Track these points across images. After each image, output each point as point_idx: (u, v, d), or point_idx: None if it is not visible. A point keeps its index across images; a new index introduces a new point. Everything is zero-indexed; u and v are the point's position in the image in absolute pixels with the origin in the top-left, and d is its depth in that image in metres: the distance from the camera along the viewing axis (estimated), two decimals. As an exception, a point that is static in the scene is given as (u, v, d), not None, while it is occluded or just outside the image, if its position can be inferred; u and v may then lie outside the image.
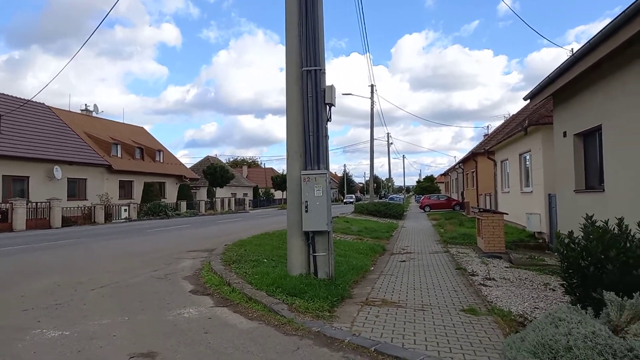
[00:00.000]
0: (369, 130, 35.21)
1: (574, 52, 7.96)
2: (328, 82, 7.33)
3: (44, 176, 27.94)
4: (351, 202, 62.99)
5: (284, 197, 56.84)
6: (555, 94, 9.72)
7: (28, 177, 27.07)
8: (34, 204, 24.90)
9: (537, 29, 59.76)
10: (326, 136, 7.28)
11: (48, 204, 25.40)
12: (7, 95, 31.09)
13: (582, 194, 8.87)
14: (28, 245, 14.16)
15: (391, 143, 58.98)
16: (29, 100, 28.43)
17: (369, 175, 42.61)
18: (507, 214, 13.23)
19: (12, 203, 23.18)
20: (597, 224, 4.68)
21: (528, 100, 11.11)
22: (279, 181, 62.14)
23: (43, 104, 34.03)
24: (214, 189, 47.63)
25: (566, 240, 4.82)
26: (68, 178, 29.66)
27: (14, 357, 4.11)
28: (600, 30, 6.45)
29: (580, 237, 4.75)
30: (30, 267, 9.45)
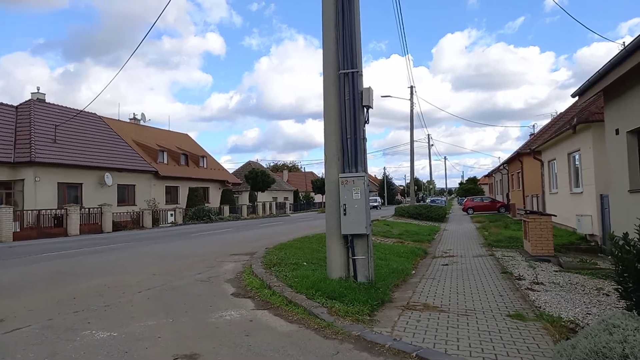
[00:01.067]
0: (409, 132, 34.71)
1: (626, 45, 7.55)
2: (366, 85, 7.28)
3: (96, 183, 29.27)
4: (375, 207, 56.04)
5: (324, 200, 56.98)
6: (606, 89, 9.25)
7: (81, 183, 28.45)
8: (87, 209, 26.13)
9: (587, 23, 57.21)
10: (364, 139, 7.22)
11: (100, 209, 26.57)
12: (62, 106, 32.83)
13: (637, 194, 8.38)
14: (80, 249, 14.84)
15: (432, 144, 58.06)
16: (81, 111, 29.91)
17: (409, 177, 42.06)
18: (555, 215, 12.71)
19: (66, 209, 24.41)
20: (654, 225, 4.40)
21: (577, 98, 10.63)
22: (319, 185, 62.40)
23: (95, 114, 35.69)
24: (256, 193, 48.38)
25: (621, 242, 4.55)
26: (118, 184, 30.96)
27: (64, 357, 4.29)
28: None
29: (636, 239, 4.48)
30: (82, 270, 9.89)
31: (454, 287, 7.55)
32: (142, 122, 43.31)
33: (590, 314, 5.69)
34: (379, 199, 70.67)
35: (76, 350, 4.45)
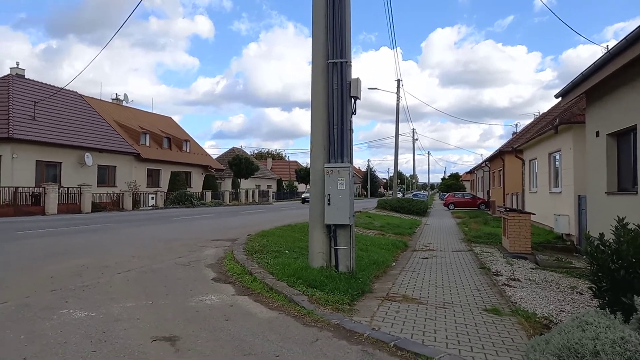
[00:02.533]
0: (394, 126, 34.89)
1: (609, 49, 7.69)
2: (355, 75, 7.28)
3: (76, 162, 28.74)
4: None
5: (307, 190, 57.04)
6: (588, 92, 9.42)
7: (60, 162, 27.89)
8: (66, 189, 25.67)
9: (575, 25, 58.04)
10: (351, 129, 7.23)
11: (79, 189, 26.13)
12: (42, 82, 32.03)
13: (614, 196, 8.59)
14: (59, 229, 14.60)
15: (416, 139, 58.42)
16: (62, 88, 29.22)
17: (393, 171, 42.33)
18: (534, 214, 12.95)
19: (44, 187, 23.94)
20: (629, 227, 4.52)
21: (559, 98, 10.81)
22: (303, 174, 62.36)
23: (76, 92, 34.93)
24: (239, 180, 48.14)
25: (596, 243, 4.67)
26: (98, 165, 30.45)
27: (41, 335, 4.25)
28: (638, 27, 6.20)
29: (611, 240, 4.60)
30: (60, 250, 9.74)
31: (433, 280, 7.66)
32: (124, 103, 42.55)
33: (564, 311, 5.84)
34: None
35: (53, 329, 4.41)
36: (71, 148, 28.49)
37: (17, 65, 31.11)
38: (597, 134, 9.32)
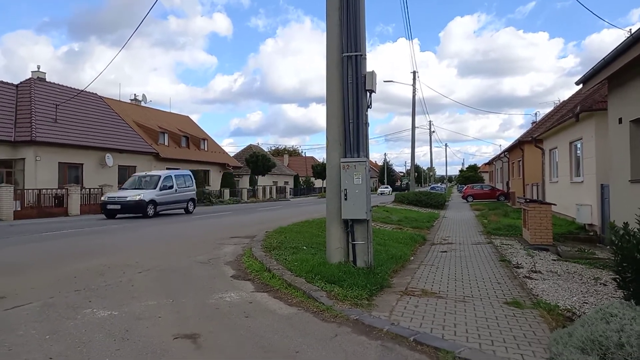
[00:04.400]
0: (411, 118, 34.62)
1: (632, 32, 7.47)
2: (370, 68, 7.21)
3: (97, 163, 29.25)
4: (386, 194, 61.60)
5: (324, 185, 56.97)
6: (610, 78, 9.18)
7: (82, 164, 28.43)
8: (88, 190, 26.16)
9: (599, 8, 56.52)
10: (366, 123, 7.19)
11: (100, 190, 26.59)
12: (62, 85, 32.62)
13: (638, 185, 8.38)
14: (81, 229, 14.90)
15: (433, 131, 57.96)
16: (82, 91, 29.74)
17: (410, 164, 42.01)
18: (555, 204, 12.72)
19: (67, 189, 24.44)
20: (654, 216, 4.41)
21: (580, 85, 10.55)
22: (319, 170, 62.37)
23: (95, 94, 35.49)
24: (256, 177, 48.41)
25: (621, 232, 4.56)
26: (119, 165, 30.94)
27: (65, 334, 4.34)
28: (663, 9, 6.00)
29: (636, 229, 4.49)
30: (82, 250, 9.94)
31: (452, 273, 7.59)
32: (143, 103, 43.16)
33: (587, 303, 5.73)
34: (389, 187, 72.58)
35: (77, 328, 4.50)
36: (92, 149, 29.00)
37: (38, 68, 31.73)
38: (620, 120, 9.09)
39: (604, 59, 8.46)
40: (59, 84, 32.42)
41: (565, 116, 16.09)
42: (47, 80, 31.79)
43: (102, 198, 21.18)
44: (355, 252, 6.96)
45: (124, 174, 31.76)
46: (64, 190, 24.48)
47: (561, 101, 30.25)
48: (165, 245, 10.58)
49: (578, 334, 3.44)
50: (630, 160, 8.62)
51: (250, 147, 64.48)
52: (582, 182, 14.22)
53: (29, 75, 31.13)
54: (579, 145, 14.94)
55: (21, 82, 29.89)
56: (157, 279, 6.81)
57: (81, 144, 28.29)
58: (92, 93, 34.76)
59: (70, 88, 32.55)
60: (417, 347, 4.03)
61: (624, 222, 4.68)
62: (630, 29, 15.44)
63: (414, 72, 34.60)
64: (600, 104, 12.23)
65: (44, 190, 23.70)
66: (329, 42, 7.28)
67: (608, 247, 10.21)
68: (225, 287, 6.27)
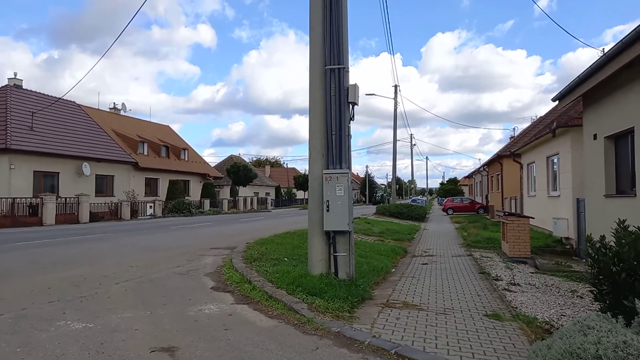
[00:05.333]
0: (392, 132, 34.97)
1: (606, 52, 7.72)
2: (353, 81, 7.28)
3: (73, 172, 28.67)
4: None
5: (306, 197, 56.82)
6: (585, 95, 9.44)
7: (58, 172, 27.82)
8: (63, 199, 25.56)
9: (574, 28, 58.25)
10: (349, 135, 7.23)
11: (77, 199, 26.03)
12: (40, 93, 32.05)
13: (612, 199, 8.59)
14: (56, 239, 14.53)
15: (414, 144, 58.50)
16: (59, 98, 29.21)
17: (391, 176, 42.31)
18: (533, 218, 12.93)
19: (42, 198, 23.85)
20: (629, 229, 4.51)
21: (557, 102, 10.82)
22: (301, 181, 62.33)
23: (74, 102, 34.92)
24: (237, 187, 48.05)
25: (597, 245, 4.65)
26: (96, 174, 30.37)
27: (38, 347, 4.20)
28: (635, 29, 6.22)
29: (612, 242, 4.58)
30: (57, 260, 9.68)
31: (433, 286, 7.62)
32: (122, 112, 42.59)
33: (564, 315, 5.81)
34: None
35: (50, 341, 4.36)
36: (69, 158, 28.43)
37: (15, 75, 31.11)
38: (595, 136, 9.33)
39: (578, 76, 8.71)
40: (36, 92, 31.84)
41: (543, 131, 16.46)
42: (24, 87, 31.19)
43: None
44: (337, 263, 6.94)
45: (102, 183, 31.22)
46: (38, 199, 23.89)
47: (538, 117, 30.95)
48: (143, 255, 10.38)
49: (557, 346, 3.47)
50: (605, 175, 8.84)
51: (231, 157, 64.07)
52: (559, 196, 14.52)
53: (4, 83, 30.49)
54: (555, 160, 15.27)
55: (-3, 89, 29.24)
56: (134, 290, 6.66)
57: (58, 152, 27.71)
58: (70, 101, 34.19)
59: (48, 96, 31.99)
60: (398, 360, 4.02)
61: (600, 236, 4.77)
62: (604, 49, 15.99)
63: (396, 86, 35.04)
64: (576, 120, 12.54)
65: (17, 199, 23.09)
66: (312, 54, 7.32)
67: (584, 260, 10.41)
68: (205, 299, 6.17)
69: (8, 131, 25.27)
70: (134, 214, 30.33)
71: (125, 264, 9.07)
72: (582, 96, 9.61)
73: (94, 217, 26.69)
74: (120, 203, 29.78)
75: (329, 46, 7.12)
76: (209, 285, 7.12)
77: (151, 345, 4.30)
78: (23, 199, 23.46)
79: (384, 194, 79.56)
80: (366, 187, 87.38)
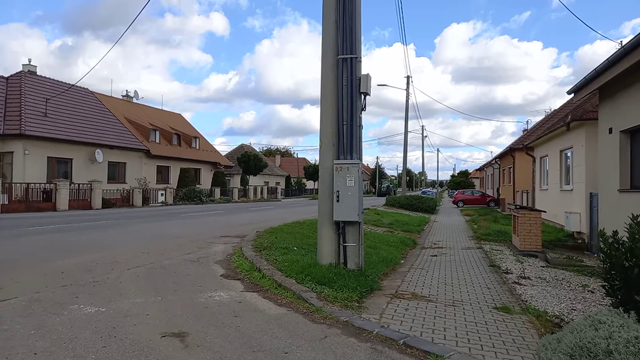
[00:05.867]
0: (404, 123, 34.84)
1: (624, 44, 7.56)
2: (365, 71, 7.23)
3: (86, 159, 28.96)
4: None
5: (316, 187, 56.86)
6: (601, 88, 9.28)
7: (71, 159, 28.13)
8: (77, 185, 25.88)
9: (593, 21, 57.12)
10: (360, 126, 7.19)
11: (89, 185, 26.34)
12: (53, 79, 32.30)
13: (626, 194, 8.47)
14: (69, 225, 14.74)
15: (426, 136, 58.15)
16: (73, 85, 29.48)
17: (402, 168, 42.15)
18: (544, 212, 12.81)
19: (56, 184, 24.15)
20: (643, 225, 4.45)
21: (572, 95, 10.65)
22: (311, 171, 62.32)
23: (87, 89, 35.17)
24: (247, 176, 48.25)
25: (610, 240, 4.60)
26: (109, 161, 30.66)
27: (51, 330, 4.28)
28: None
29: (625, 237, 4.53)
30: (70, 245, 9.83)
31: (442, 277, 7.61)
32: (134, 100, 42.79)
33: (575, 309, 5.77)
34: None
35: (63, 324, 4.44)
36: (82, 144, 28.71)
37: (29, 62, 31.38)
38: (610, 130, 9.19)
39: (595, 69, 8.56)
40: (49, 78, 32.10)
41: (557, 125, 16.24)
42: (38, 73, 31.45)
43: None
44: (346, 254, 6.95)
45: (114, 170, 31.51)
46: (52, 185, 24.20)
47: (552, 110, 30.55)
48: (155, 242, 10.49)
49: (567, 340, 3.46)
50: (619, 170, 8.72)
51: (242, 146, 64.25)
52: (572, 190, 14.35)
53: (20, 69, 30.76)
54: (569, 154, 15.08)
55: (11, 75, 29.51)
56: (145, 277, 6.75)
57: (71, 138, 27.99)
58: (84, 88, 34.44)
59: (61, 82, 32.23)
60: (406, 351, 4.03)
61: (613, 231, 4.72)
62: (622, 41, 15.64)
63: (408, 77, 34.74)
64: (591, 114, 12.35)
65: (32, 185, 23.41)
66: (324, 43, 7.28)
67: (596, 254, 10.31)
68: (215, 286, 6.23)
69: (22, 117, 25.56)
70: (146, 201, 30.62)
71: (137, 250, 9.18)
72: (598, 89, 9.44)
73: (107, 203, 27.00)
74: (132, 190, 30.07)
75: (341, 35, 7.06)
76: (219, 272, 7.18)
77: (162, 330, 4.36)
78: (37, 185, 23.78)
79: (390, 185, 76.70)
80: (376, 178, 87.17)
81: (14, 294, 5.51)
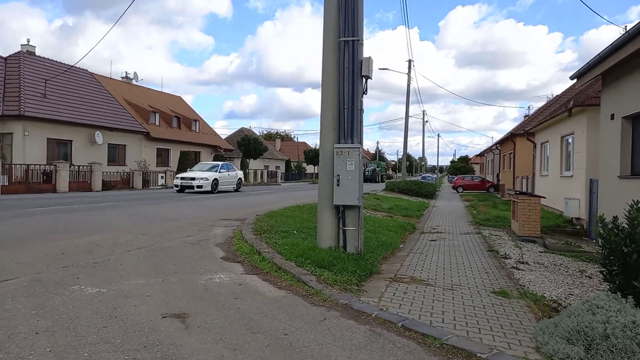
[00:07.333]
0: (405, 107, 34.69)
1: (628, 29, 7.48)
2: (367, 54, 7.15)
3: (86, 141, 28.92)
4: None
5: (316, 171, 56.85)
6: (604, 74, 9.21)
7: (71, 141, 28.09)
8: (76, 167, 25.89)
9: (599, 5, 56.54)
10: (361, 110, 7.15)
11: (89, 167, 26.34)
12: (52, 60, 32.05)
13: (627, 180, 8.47)
14: (70, 206, 14.77)
15: (427, 121, 57.97)
16: (72, 66, 29.24)
17: (402, 153, 42.12)
18: (544, 197, 12.83)
19: (55, 165, 24.16)
20: (643, 211, 4.45)
21: (575, 80, 10.59)
22: (312, 155, 62.23)
23: (86, 70, 34.93)
24: (248, 160, 48.20)
25: (610, 226, 4.61)
26: (109, 143, 30.63)
27: (52, 310, 4.31)
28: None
29: (624, 223, 4.54)
30: (71, 227, 9.86)
31: (441, 262, 7.66)
32: (134, 82, 42.53)
33: (572, 294, 5.82)
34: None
35: (65, 304, 4.47)
36: (82, 126, 28.64)
37: (28, 42, 31.08)
38: (612, 116, 9.15)
39: (599, 54, 8.49)
40: (48, 59, 31.86)
41: (558, 110, 16.16)
42: (37, 54, 31.18)
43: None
44: (346, 237, 6.98)
45: (114, 152, 31.49)
46: (52, 166, 24.20)
47: (554, 95, 30.39)
48: (155, 224, 10.52)
49: (564, 324, 3.49)
50: (621, 156, 8.71)
51: (242, 130, 64.07)
52: (572, 176, 14.36)
53: (19, 49, 30.48)
54: (570, 140, 15.04)
55: (10, 55, 29.28)
56: (146, 258, 6.78)
57: (71, 120, 27.90)
58: (83, 69, 34.21)
59: (60, 63, 31.98)
60: (405, 333, 4.07)
61: (613, 217, 4.73)
62: (626, 26, 15.48)
63: (410, 61, 34.48)
64: (594, 99, 12.29)
65: (32, 166, 23.42)
66: (326, 25, 7.19)
67: (594, 240, 10.36)
68: (215, 269, 6.26)
69: (21, 98, 25.43)
70: (146, 183, 30.66)
71: (137, 232, 9.21)
72: (601, 75, 9.38)
73: (107, 185, 27.04)
74: (132, 172, 30.08)
75: (343, 17, 6.98)
76: (219, 255, 7.21)
77: (162, 311, 4.39)
78: (37, 166, 23.80)
79: (377, 169, 63.99)
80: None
81: (15, 274, 5.54)
